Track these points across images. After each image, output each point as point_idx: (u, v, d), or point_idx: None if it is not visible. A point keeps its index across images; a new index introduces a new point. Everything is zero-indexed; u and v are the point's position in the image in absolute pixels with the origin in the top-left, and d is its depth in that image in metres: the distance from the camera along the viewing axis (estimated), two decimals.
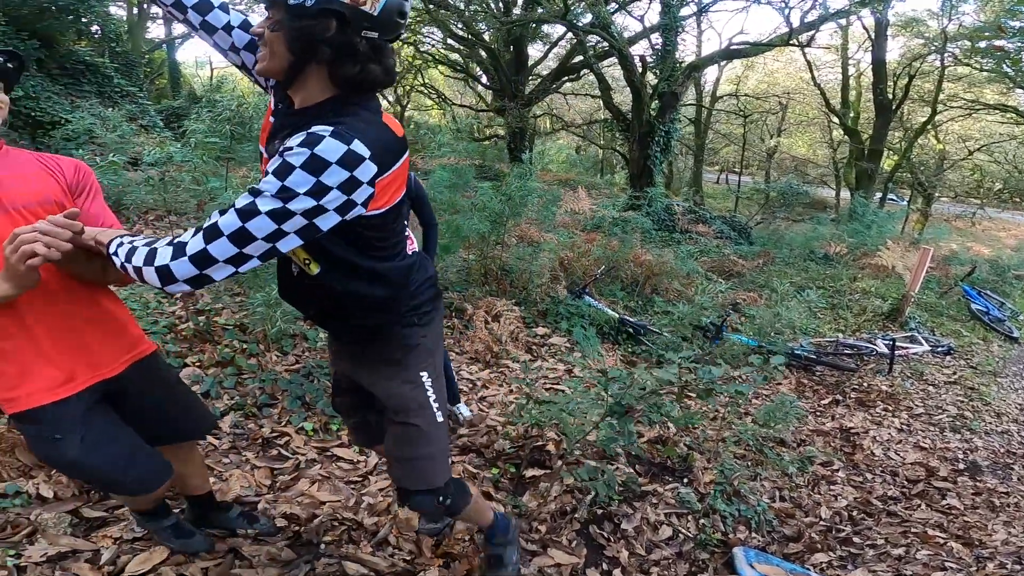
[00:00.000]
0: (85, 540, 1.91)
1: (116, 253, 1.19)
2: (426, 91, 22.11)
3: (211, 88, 16.63)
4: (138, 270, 1.14)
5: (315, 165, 1.09)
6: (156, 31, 20.04)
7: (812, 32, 12.91)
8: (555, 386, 3.89)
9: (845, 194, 19.61)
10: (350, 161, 1.11)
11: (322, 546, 2.13)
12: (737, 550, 2.47)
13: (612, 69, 16.85)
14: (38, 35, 8.24)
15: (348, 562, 2.05)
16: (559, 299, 5.36)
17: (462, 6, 14.76)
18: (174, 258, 1.12)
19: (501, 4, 15.59)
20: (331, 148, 1.10)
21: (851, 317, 7.42)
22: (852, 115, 19.20)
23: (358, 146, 1.12)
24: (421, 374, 1.56)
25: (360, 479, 2.59)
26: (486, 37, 16.08)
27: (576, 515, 2.53)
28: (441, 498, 1.65)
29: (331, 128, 1.12)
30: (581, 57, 14.82)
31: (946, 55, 15.62)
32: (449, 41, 17.11)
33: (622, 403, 2.55)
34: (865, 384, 5.33)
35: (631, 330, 5.29)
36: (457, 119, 22.75)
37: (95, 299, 1.47)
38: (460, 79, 21.74)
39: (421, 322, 1.53)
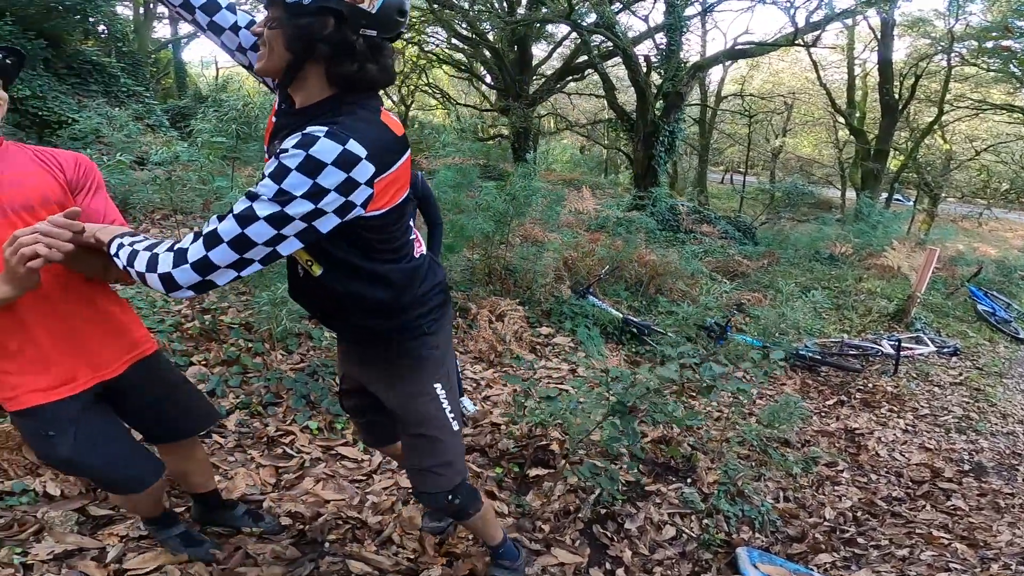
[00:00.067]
0: (91, 538, 1.92)
1: (118, 255, 1.19)
2: (430, 91, 22.17)
3: (217, 88, 16.67)
4: (141, 275, 1.14)
5: (310, 166, 1.08)
6: (162, 31, 20.17)
7: (818, 32, 12.84)
8: (559, 385, 3.89)
9: (851, 194, 19.59)
10: (346, 162, 1.10)
11: (326, 544, 2.14)
12: (740, 550, 2.47)
13: (616, 69, 16.86)
14: (45, 34, 8.28)
15: (352, 560, 2.06)
16: (563, 299, 5.36)
17: (466, 6, 14.75)
18: (176, 265, 1.11)
19: (505, 4, 15.57)
20: (326, 149, 1.08)
21: (856, 318, 7.39)
22: (858, 115, 19.14)
23: (354, 146, 1.11)
24: (435, 386, 1.55)
25: (364, 478, 2.60)
26: (490, 37, 16.06)
27: (580, 514, 2.54)
28: (451, 497, 1.67)
29: (326, 128, 1.11)
30: (585, 57, 14.78)
31: (953, 55, 15.54)
32: (453, 41, 17.11)
33: (624, 402, 2.55)
34: (870, 385, 5.31)
35: (635, 330, 5.28)
36: (461, 119, 22.82)
37: (95, 300, 1.46)
38: (464, 79, 21.78)
39: (431, 330, 1.51)
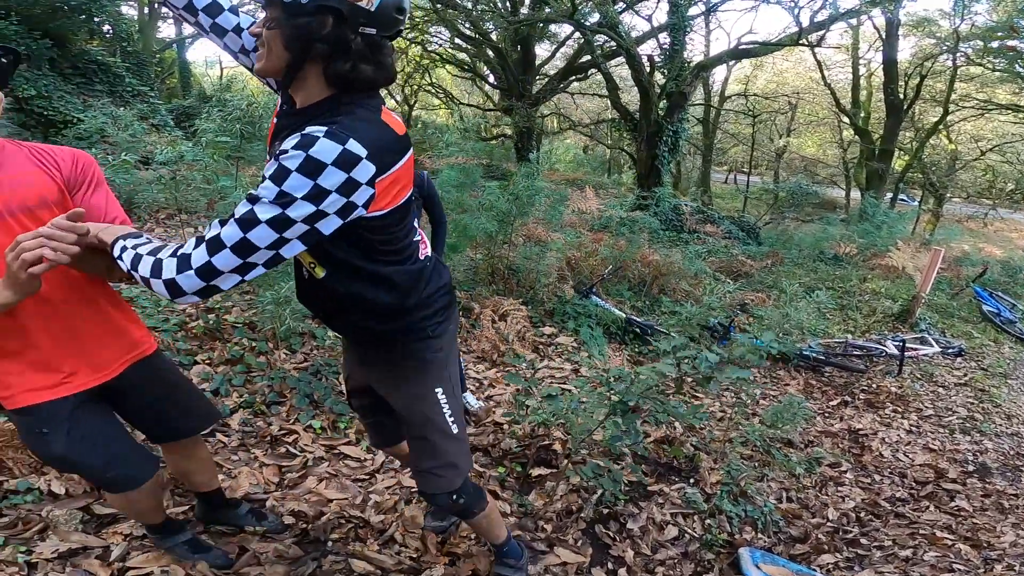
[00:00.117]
0: (95, 537, 1.93)
1: (121, 258, 1.18)
2: (433, 90, 22.17)
3: (221, 87, 16.74)
4: (146, 280, 1.14)
5: (311, 167, 1.07)
6: (167, 31, 20.16)
7: (822, 32, 12.83)
8: (562, 385, 3.89)
9: (855, 194, 19.53)
10: (346, 162, 1.09)
11: (329, 543, 2.15)
12: (743, 551, 2.47)
13: (620, 69, 16.83)
14: (50, 34, 8.31)
15: (355, 559, 2.07)
16: (566, 299, 5.36)
17: (469, 5, 14.77)
18: (180, 271, 1.11)
19: (508, 3, 15.58)
20: (326, 149, 1.08)
21: (861, 318, 7.38)
22: (863, 115, 19.06)
23: (354, 146, 1.10)
24: (436, 390, 1.55)
25: (367, 477, 2.61)
26: (493, 36, 16.07)
27: (582, 514, 2.54)
28: (455, 497, 1.67)
29: (325, 128, 1.10)
30: (589, 57, 14.79)
31: (958, 55, 15.48)
32: (456, 40, 17.14)
33: (625, 400, 2.55)
34: (874, 385, 5.30)
35: (638, 330, 5.28)
36: (464, 118, 22.81)
37: (94, 300, 1.46)
38: (467, 78, 21.77)
39: (435, 333, 1.50)
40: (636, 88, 12.53)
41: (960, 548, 2.78)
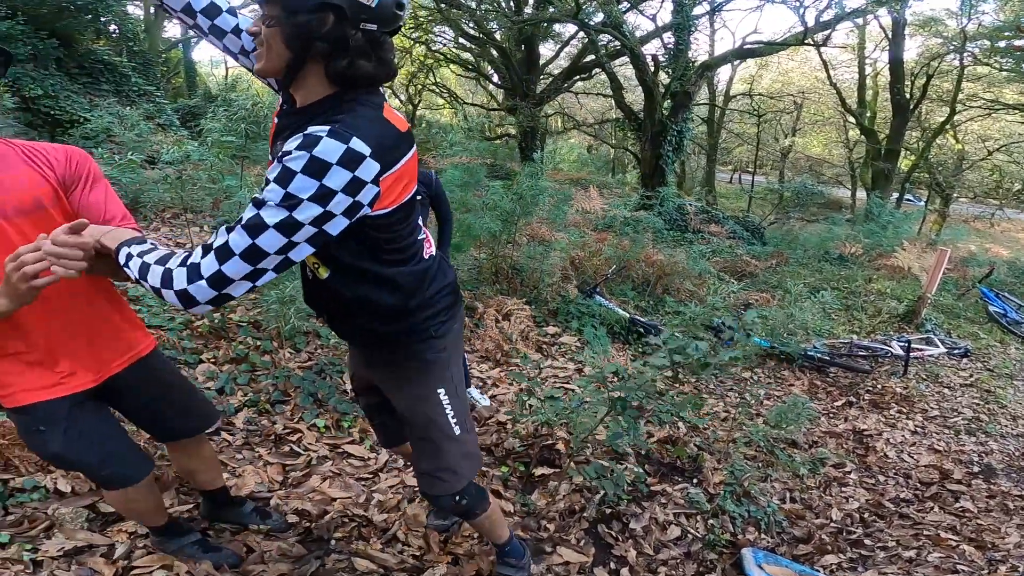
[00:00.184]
0: (101, 535, 1.94)
1: (128, 266, 1.16)
2: (438, 90, 22.19)
3: (226, 87, 16.78)
4: (156, 290, 1.12)
5: (316, 168, 1.06)
6: (172, 30, 20.22)
7: (828, 31, 12.78)
8: (565, 385, 3.89)
9: (861, 194, 19.42)
10: (351, 160, 1.08)
11: (332, 542, 2.15)
12: (746, 551, 2.47)
13: (624, 68, 16.83)
14: (57, 34, 8.34)
15: (358, 558, 2.07)
16: (570, 298, 5.36)
17: (474, 5, 14.78)
18: (191, 281, 1.10)
19: (512, 3, 15.60)
20: (330, 148, 1.07)
21: (866, 318, 7.35)
22: (869, 115, 19.00)
23: (357, 144, 1.09)
24: (438, 391, 1.54)
25: (371, 476, 2.62)
26: (497, 36, 16.08)
27: (585, 514, 2.54)
28: (457, 498, 1.67)
29: (328, 127, 1.09)
30: (593, 56, 14.79)
31: (965, 54, 15.41)
32: (461, 40, 17.17)
33: (625, 398, 2.54)
34: (879, 386, 5.28)
35: (642, 330, 5.27)
36: (468, 118, 22.83)
37: (93, 301, 1.46)
38: (472, 78, 21.79)
39: (438, 333, 1.48)
40: (640, 88, 12.53)
41: (964, 549, 2.77)
